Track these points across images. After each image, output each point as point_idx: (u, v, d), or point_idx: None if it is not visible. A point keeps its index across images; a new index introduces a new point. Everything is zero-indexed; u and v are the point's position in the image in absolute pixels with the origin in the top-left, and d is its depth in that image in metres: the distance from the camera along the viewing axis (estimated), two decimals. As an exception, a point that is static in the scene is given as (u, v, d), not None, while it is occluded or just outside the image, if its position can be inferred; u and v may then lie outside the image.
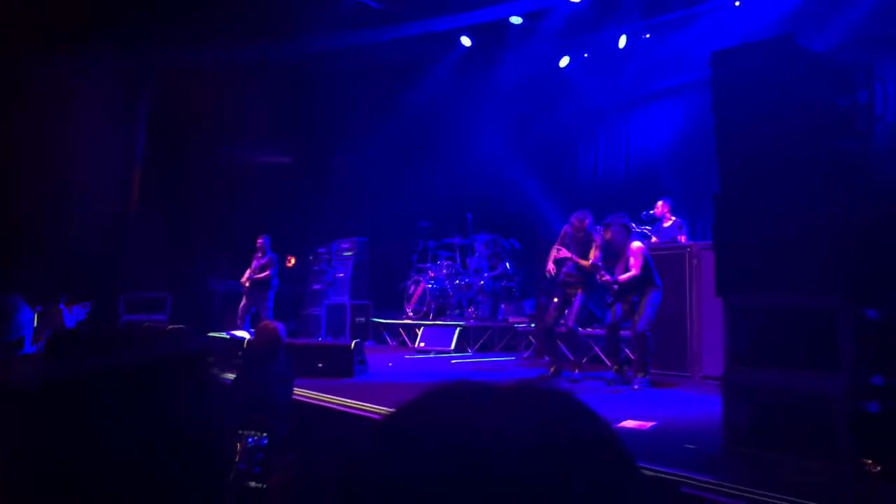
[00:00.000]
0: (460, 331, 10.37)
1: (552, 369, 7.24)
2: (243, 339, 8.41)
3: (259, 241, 10.68)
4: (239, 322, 10.34)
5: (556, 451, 0.52)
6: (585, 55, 12.65)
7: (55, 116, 9.78)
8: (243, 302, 10.54)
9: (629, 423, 4.97)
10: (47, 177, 9.75)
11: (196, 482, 0.83)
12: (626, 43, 11.81)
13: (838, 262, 3.77)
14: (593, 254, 6.98)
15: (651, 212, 8.93)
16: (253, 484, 4.07)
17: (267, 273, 10.45)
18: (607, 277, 6.81)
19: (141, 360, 0.87)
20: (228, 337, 9.54)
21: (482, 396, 0.58)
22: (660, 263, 7.78)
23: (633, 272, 6.71)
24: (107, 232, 10.74)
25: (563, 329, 7.12)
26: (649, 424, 4.95)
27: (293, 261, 12.72)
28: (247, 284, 10.52)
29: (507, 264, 11.52)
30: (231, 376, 5.03)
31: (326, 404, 5.88)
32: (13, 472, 0.80)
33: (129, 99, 11.39)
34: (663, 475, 3.56)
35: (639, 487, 0.56)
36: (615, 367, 6.99)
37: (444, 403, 0.58)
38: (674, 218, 8.87)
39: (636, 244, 6.83)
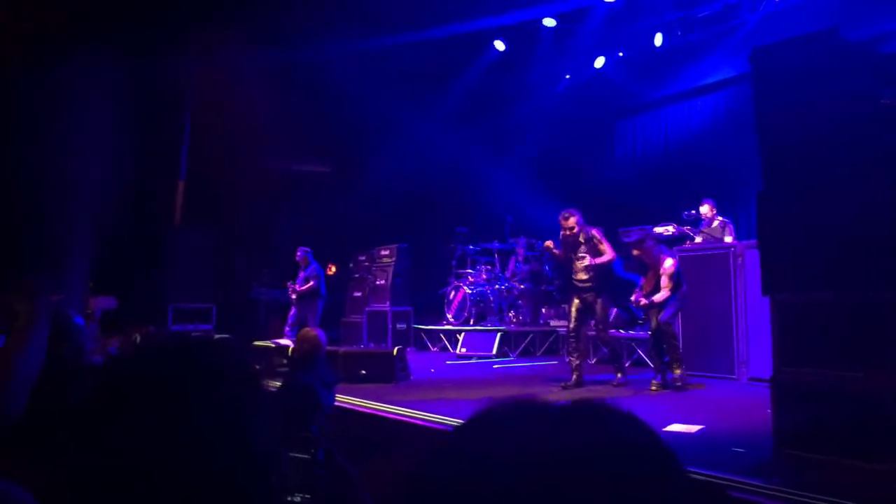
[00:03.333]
0: (501, 335, 10.35)
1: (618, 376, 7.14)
2: (287, 347, 8.52)
3: (298, 254, 10.81)
4: (287, 330, 10.48)
5: (606, 463, 0.55)
6: (620, 54, 12.55)
7: (99, 132, 10.04)
8: (293, 311, 10.70)
9: (676, 427, 4.91)
10: (91, 192, 10.02)
11: (244, 490, 0.85)
12: (663, 40, 11.68)
13: (889, 257, 3.67)
14: (606, 247, 6.94)
15: (694, 212, 8.78)
16: (298, 497, 4.09)
17: (311, 284, 10.58)
18: (645, 301, 6.72)
19: (195, 368, 0.90)
20: (273, 345, 9.69)
21: (534, 412, 0.62)
22: (703, 263, 7.68)
23: (664, 294, 6.61)
24: (154, 245, 11.00)
25: (594, 333, 7.06)
26: (696, 428, 4.88)
27: (334, 269, 12.87)
28: (293, 297, 10.68)
29: (547, 268, 11.47)
30: (276, 384, 5.10)
31: (370, 411, 5.93)
32: (70, 483, 0.83)
33: (171, 114, 11.66)
34: (711, 479, 3.51)
35: (685, 492, 0.58)
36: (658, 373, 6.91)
37: (502, 421, 0.62)
38: (719, 218, 8.72)
39: (668, 262, 6.69)
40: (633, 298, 6.98)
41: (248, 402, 0.90)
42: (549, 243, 7.62)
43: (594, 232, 7.05)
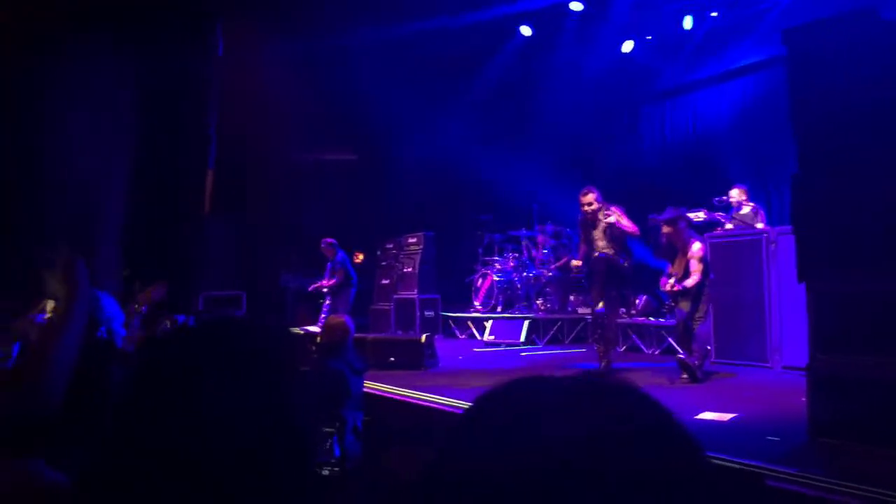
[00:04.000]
0: (529, 323, 10.32)
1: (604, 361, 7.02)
2: (316, 334, 8.59)
3: (323, 245, 10.88)
4: (322, 316, 10.58)
5: (619, 441, 0.54)
6: (648, 38, 12.34)
7: (128, 124, 10.15)
8: (328, 301, 10.80)
9: (708, 415, 4.85)
10: (122, 183, 10.16)
11: (283, 469, 0.86)
12: (693, 23, 11.46)
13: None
14: (627, 221, 6.89)
15: (725, 198, 8.62)
16: (326, 471, 4.16)
17: (337, 279, 10.68)
18: (678, 286, 6.52)
19: (233, 350, 0.90)
20: (302, 332, 9.77)
21: (548, 391, 0.61)
22: (735, 250, 7.57)
23: (695, 278, 6.44)
24: (184, 234, 11.12)
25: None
26: (729, 416, 4.82)
27: (361, 257, 12.93)
28: (325, 290, 10.77)
29: (576, 255, 11.39)
30: (305, 370, 5.14)
31: (399, 397, 5.95)
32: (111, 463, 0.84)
33: (199, 105, 11.74)
34: (746, 468, 3.46)
35: (704, 474, 0.57)
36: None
37: (514, 399, 0.61)
38: (751, 204, 8.55)
39: (697, 246, 6.55)
40: (662, 283, 6.86)
41: (287, 382, 0.91)
42: (575, 263, 7.59)
43: (614, 208, 6.97)
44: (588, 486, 0.51)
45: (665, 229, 6.76)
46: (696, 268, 6.48)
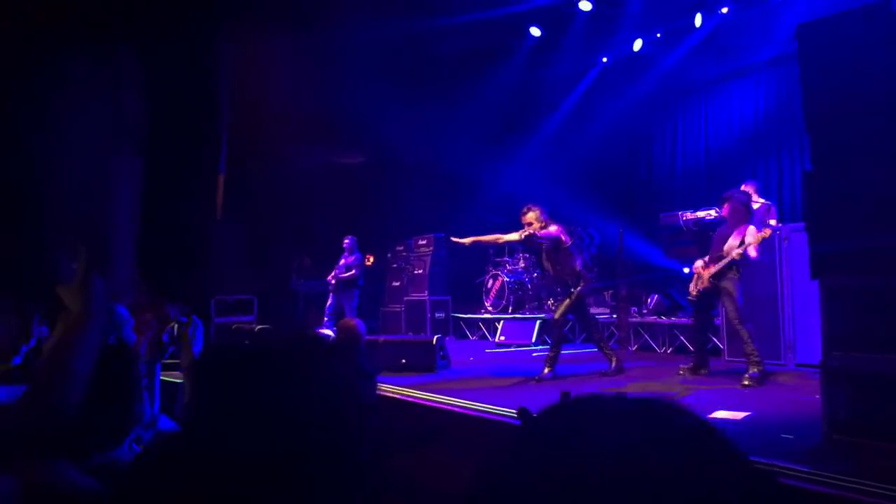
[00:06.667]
0: (540, 324, 10.30)
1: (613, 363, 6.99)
2: (329, 336, 8.60)
3: (346, 241, 10.97)
4: (326, 320, 10.60)
5: (672, 455, 0.56)
6: (658, 35, 12.29)
7: (138, 130, 10.20)
8: (330, 300, 10.82)
9: (722, 414, 4.83)
10: (133, 189, 10.22)
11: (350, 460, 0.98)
12: (702, 20, 11.40)
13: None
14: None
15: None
16: None
17: (353, 272, 10.72)
18: (741, 251, 6.06)
19: (309, 350, 1.03)
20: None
21: (604, 408, 0.63)
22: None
23: (753, 252, 6.13)
24: (196, 239, 11.18)
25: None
26: (742, 415, 4.79)
27: (371, 259, 12.96)
28: (332, 283, 10.80)
29: (587, 255, 11.36)
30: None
31: (411, 399, 5.95)
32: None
33: (209, 114, 11.79)
34: (759, 466, 3.43)
35: (752, 481, 0.60)
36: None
37: (569, 415, 0.63)
38: (762, 200, 8.51)
39: (752, 228, 6.24)
40: (701, 270, 6.54)
41: (348, 382, 1.04)
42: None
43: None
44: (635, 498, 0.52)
45: (724, 207, 6.57)
46: (755, 246, 6.15)
